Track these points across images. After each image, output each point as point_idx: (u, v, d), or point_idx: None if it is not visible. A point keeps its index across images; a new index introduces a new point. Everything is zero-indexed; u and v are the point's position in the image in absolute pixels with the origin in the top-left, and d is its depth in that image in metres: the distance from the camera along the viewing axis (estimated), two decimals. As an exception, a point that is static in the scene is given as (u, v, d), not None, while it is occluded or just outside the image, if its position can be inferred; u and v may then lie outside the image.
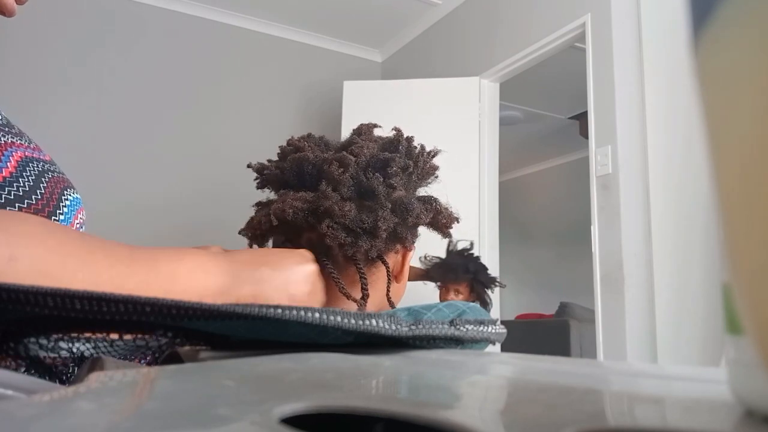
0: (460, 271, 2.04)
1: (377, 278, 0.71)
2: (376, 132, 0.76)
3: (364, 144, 0.70)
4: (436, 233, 0.76)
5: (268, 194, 0.76)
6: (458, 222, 0.76)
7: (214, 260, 0.44)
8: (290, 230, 0.70)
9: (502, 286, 2.21)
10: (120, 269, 0.37)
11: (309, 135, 0.76)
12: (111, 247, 0.38)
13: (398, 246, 0.72)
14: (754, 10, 0.11)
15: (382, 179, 0.67)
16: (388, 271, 0.70)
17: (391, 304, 0.71)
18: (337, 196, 0.66)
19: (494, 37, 2.97)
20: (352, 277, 0.69)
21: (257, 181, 0.75)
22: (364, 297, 0.67)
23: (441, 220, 0.73)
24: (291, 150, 0.72)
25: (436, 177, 0.77)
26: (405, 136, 0.73)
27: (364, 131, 0.75)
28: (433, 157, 0.76)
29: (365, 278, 0.68)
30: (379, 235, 0.66)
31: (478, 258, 2.19)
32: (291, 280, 0.51)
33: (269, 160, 0.75)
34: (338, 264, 0.69)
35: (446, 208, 0.74)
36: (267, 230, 0.70)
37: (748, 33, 0.11)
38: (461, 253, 2.12)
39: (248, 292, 0.46)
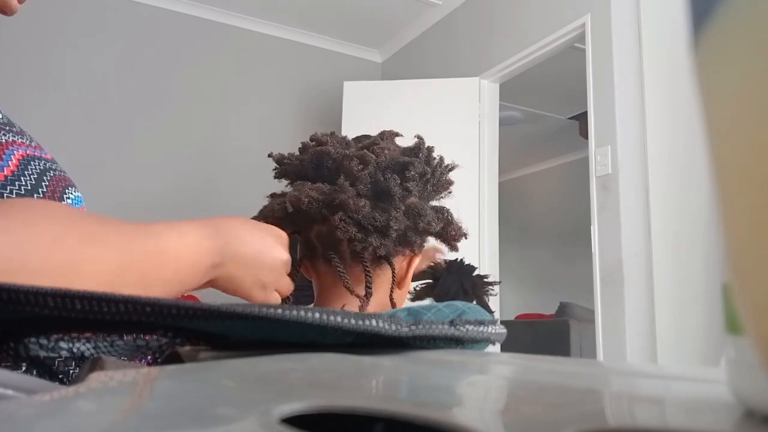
0: (460, 295, 1.93)
1: (382, 280, 0.72)
2: (398, 141, 0.77)
3: (386, 146, 0.71)
4: (445, 245, 0.76)
5: (268, 190, 0.77)
6: (466, 238, 0.76)
7: (210, 239, 0.47)
8: (302, 220, 0.71)
9: (497, 283, 2.11)
10: (133, 250, 0.40)
11: (332, 133, 0.77)
12: (122, 228, 0.41)
13: (406, 250, 0.73)
14: (754, 10, 0.11)
15: (399, 181, 0.68)
16: (393, 273, 0.71)
17: (393, 306, 0.71)
18: (354, 191, 0.67)
19: (494, 38, 2.97)
20: (357, 276, 0.70)
21: (275, 171, 0.76)
22: (368, 294, 0.68)
23: (450, 231, 0.74)
24: (313, 144, 0.74)
25: (450, 192, 0.77)
26: (426, 145, 0.74)
27: (386, 136, 0.76)
28: (451, 170, 0.77)
29: (370, 276, 0.69)
30: (389, 234, 0.67)
31: (463, 263, 2.03)
32: (265, 266, 0.52)
33: (290, 153, 0.76)
34: (345, 260, 0.70)
35: (457, 221, 0.75)
36: (280, 218, 0.70)
37: (748, 33, 0.11)
38: (449, 268, 1.98)
39: (226, 272, 0.49)
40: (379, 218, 0.66)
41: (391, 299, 0.71)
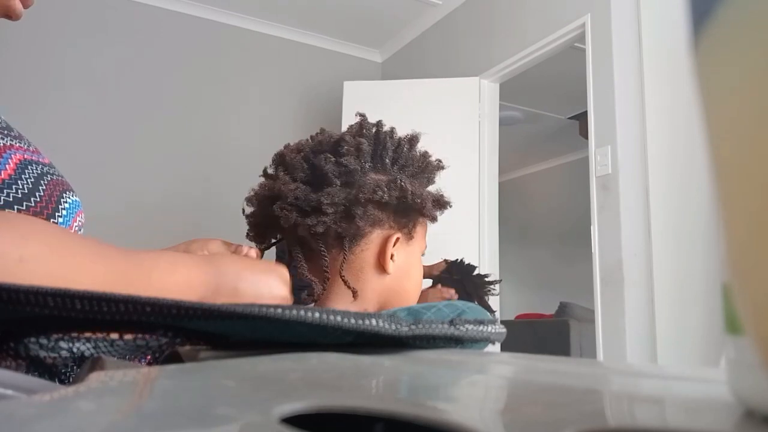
0: (461, 296, 1.91)
1: (360, 267, 0.71)
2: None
3: (329, 132, 0.74)
4: (425, 219, 0.76)
5: None
6: (450, 206, 0.75)
7: (204, 273, 0.46)
8: (275, 225, 0.72)
9: (498, 282, 2.09)
10: (116, 279, 0.38)
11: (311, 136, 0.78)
12: (109, 253, 0.39)
13: (372, 228, 0.71)
14: (754, 10, 0.11)
15: (333, 159, 0.69)
16: (345, 252, 0.69)
17: (346, 284, 0.70)
18: (287, 177, 0.69)
19: (494, 38, 2.97)
20: (331, 262, 0.71)
21: None
22: (325, 279, 0.69)
23: (412, 199, 0.70)
24: None
25: (438, 167, 0.77)
26: (376, 122, 0.75)
27: (354, 124, 0.77)
28: (412, 141, 0.75)
29: (326, 257, 0.69)
30: (324, 210, 0.67)
31: (462, 263, 2.01)
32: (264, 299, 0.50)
33: None
34: (312, 252, 0.71)
35: (419, 187, 0.72)
36: (254, 225, 0.73)
37: (748, 33, 0.11)
38: (449, 268, 1.96)
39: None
40: (314, 198, 0.68)
41: (342, 276, 0.69)
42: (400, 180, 0.71)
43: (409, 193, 0.70)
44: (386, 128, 0.75)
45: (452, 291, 1.81)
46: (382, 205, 0.70)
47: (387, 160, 0.72)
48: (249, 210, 0.74)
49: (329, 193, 0.67)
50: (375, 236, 0.71)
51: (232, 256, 0.52)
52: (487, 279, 1.98)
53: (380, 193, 0.68)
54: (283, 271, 0.55)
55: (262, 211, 0.71)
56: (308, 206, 0.68)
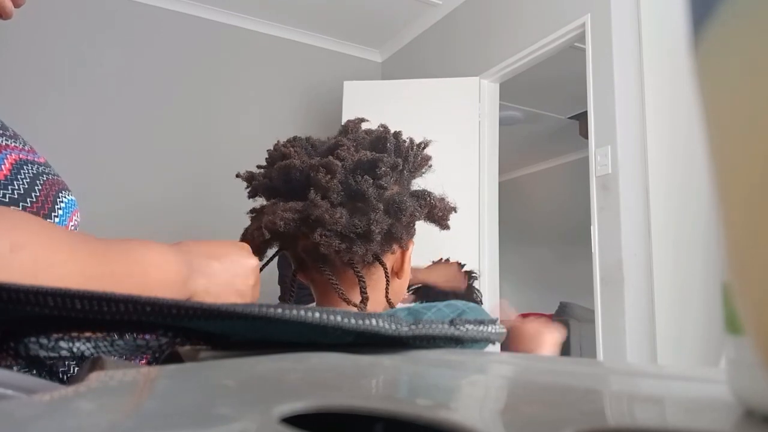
0: (450, 295, 1.93)
1: (377, 278, 0.71)
2: (365, 126, 0.76)
3: (351, 145, 0.69)
4: (434, 226, 0.75)
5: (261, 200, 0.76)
6: (455, 212, 0.75)
7: (176, 255, 0.47)
8: (285, 239, 0.70)
9: (476, 277, 2.08)
10: (101, 262, 0.39)
11: (295, 138, 0.75)
12: (91, 242, 0.40)
13: (395, 245, 0.72)
14: (754, 10, 0.11)
15: (371, 181, 0.66)
16: (386, 272, 0.70)
17: (390, 304, 0.71)
18: (327, 203, 0.65)
19: (494, 38, 2.97)
20: (351, 281, 0.69)
21: (248, 190, 0.75)
22: (364, 300, 0.67)
23: (437, 213, 0.73)
24: (278, 156, 0.72)
25: (430, 166, 0.76)
26: (392, 131, 0.72)
27: (350, 129, 0.74)
28: (424, 148, 0.75)
29: (364, 281, 0.68)
30: (373, 238, 0.65)
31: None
32: (238, 274, 0.53)
33: (258, 167, 0.75)
34: (336, 268, 0.69)
35: (441, 200, 0.73)
36: (261, 242, 0.69)
37: (748, 33, 0.11)
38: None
39: (202, 286, 0.49)
40: (359, 224, 0.65)
41: (387, 298, 0.70)
42: (430, 198, 0.71)
43: (437, 209, 0.72)
44: (404, 138, 0.72)
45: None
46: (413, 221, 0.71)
47: (405, 172, 0.72)
48: (260, 226, 0.68)
49: (378, 221, 0.65)
50: (395, 247, 0.72)
51: (193, 241, 0.52)
52: (468, 271, 1.97)
53: (417, 214, 0.69)
54: (246, 245, 0.57)
55: (284, 232, 0.67)
56: (353, 233, 0.65)
